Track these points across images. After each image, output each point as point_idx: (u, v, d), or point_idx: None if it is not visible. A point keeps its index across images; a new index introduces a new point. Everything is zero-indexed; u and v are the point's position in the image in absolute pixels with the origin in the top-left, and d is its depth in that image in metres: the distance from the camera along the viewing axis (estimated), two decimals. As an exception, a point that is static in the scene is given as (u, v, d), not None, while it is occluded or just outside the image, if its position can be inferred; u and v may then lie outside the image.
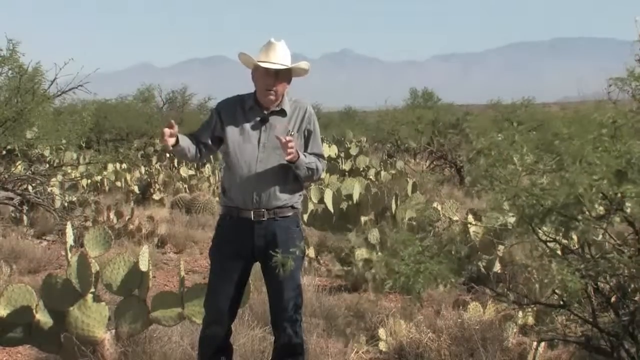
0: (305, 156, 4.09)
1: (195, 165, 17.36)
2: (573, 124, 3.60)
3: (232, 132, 4.11)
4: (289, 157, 3.95)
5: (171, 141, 3.93)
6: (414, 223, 7.87)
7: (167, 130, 3.90)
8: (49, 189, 11.14)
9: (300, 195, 4.25)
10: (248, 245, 4.08)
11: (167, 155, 19.82)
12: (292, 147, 3.93)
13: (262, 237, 4.06)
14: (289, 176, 4.09)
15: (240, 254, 4.11)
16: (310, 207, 9.62)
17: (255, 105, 4.12)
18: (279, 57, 4.02)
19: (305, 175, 4.10)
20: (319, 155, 4.22)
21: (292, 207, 4.16)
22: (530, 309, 4.82)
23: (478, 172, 3.63)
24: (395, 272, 3.35)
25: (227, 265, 4.14)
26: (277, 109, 4.12)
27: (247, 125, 4.10)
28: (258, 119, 4.11)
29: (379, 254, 3.60)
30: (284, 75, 4.07)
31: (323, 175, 15.02)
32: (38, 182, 10.80)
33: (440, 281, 3.47)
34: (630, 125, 3.51)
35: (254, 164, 4.04)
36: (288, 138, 3.93)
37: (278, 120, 4.11)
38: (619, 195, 3.26)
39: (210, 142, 4.17)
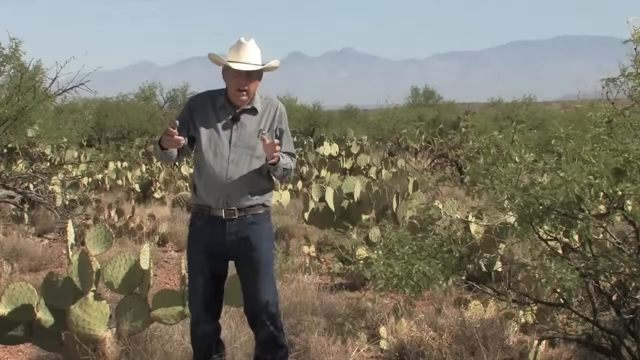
0: (282, 157, 4.09)
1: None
2: (571, 123, 3.60)
3: (203, 131, 4.08)
4: (272, 160, 3.96)
5: (181, 140, 3.93)
6: (415, 222, 7.87)
7: (174, 130, 3.90)
8: (50, 188, 11.14)
9: (271, 193, 4.26)
10: (221, 243, 4.08)
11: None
12: (277, 150, 3.95)
13: (233, 234, 4.07)
14: (261, 175, 4.09)
15: (214, 253, 4.11)
16: (312, 205, 9.63)
17: (226, 104, 4.10)
18: (250, 57, 4.01)
19: (280, 174, 4.12)
20: (291, 155, 4.24)
21: (264, 205, 4.17)
22: (531, 308, 4.82)
23: (478, 170, 3.63)
24: (390, 272, 3.36)
25: (203, 264, 4.14)
26: (249, 107, 4.10)
27: (219, 125, 4.08)
28: (229, 117, 4.09)
29: (379, 253, 3.59)
30: (256, 74, 4.06)
31: (324, 174, 15.04)
32: (39, 180, 10.81)
33: (433, 282, 3.47)
34: (629, 124, 3.51)
35: (225, 164, 4.03)
36: (276, 141, 3.95)
37: (249, 118, 4.10)
38: (620, 193, 3.26)
39: (187, 142, 4.10)
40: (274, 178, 4.19)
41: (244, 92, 4.03)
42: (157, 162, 19.23)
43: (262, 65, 4.05)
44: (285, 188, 13.32)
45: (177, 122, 3.94)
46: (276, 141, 3.95)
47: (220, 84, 4.16)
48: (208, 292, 4.17)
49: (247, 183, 4.05)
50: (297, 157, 4.39)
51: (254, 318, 4.19)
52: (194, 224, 4.21)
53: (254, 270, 4.09)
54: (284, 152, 4.14)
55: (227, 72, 4.05)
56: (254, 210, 4.10)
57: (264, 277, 4.10)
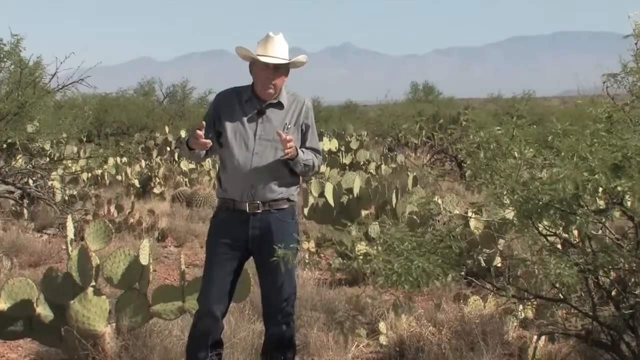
0: (303, 152, 4.09)
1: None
2: (570, 119, 3.60)
3: (229, 124, 4.10)
4: (287, 156, 3.95)
5: (208, 143, 3.95)
6: (415, 217, 7.87)
7: (201, 133, 3.91)
8: (49, 183, 11.15)
9: (297, 187, 4.25)
10: (243, 236, 4.08)
11: (168, 148, 19.80)
12: (291, 146, 3.93)
13: (256, 228, 4.06)
14: (286, 169, 4.09)
15: (234, 245, 4.10)
16: (311, 200, 9.62)
17: (252, 98, 4.11)
18: (278, 51, 4.02)
19: (302, 171, 4.11)
20: (316, 150, 4.22)
21: (288, 199, 4.15)
22: (530, 303, 4.82)
23: (478, 164, 3.63)
24: (389, 269, 3.36)
25: (222, 256, 4.12)
26: (275, 101, 4.11)
27: (244, 118, 4.09)
28: (255, 111, 4.10)
29: (379, 248, 3.59)
30: (283, 69, 4.07)
31: (323, 169, 15.04)
32: (39, 175, 10.81)
33: (433, 278, 3.46)
34: (629, 119, 3.51)
35: (250, 156, 4.04)
36: (289, 137, 3.93)
37: (275, 113, 4.11)
38: (618, 189, 3.26)
39: (214, 138, 4.11)
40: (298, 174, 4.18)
41: (271, 86, 4.04)
42: (156, 157, 19.24)
43: (290, 60, 4.07)
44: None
45: (204, 122, 3.98)
46: (289, 137, 3.93)
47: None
48: (222, 286, 4.12)
49: (271, 175, 4.05)
50: (321, 154, 4.37)
51: (269, 314, 4.18)
52: (216, 216, 4.22)
53: (275, 269, 3.91)
54: (308, 148, 4.16)
55: (255, 65, 4.07)
56: (278, 204, 4.09)
57: (285, 276, 4.06)
